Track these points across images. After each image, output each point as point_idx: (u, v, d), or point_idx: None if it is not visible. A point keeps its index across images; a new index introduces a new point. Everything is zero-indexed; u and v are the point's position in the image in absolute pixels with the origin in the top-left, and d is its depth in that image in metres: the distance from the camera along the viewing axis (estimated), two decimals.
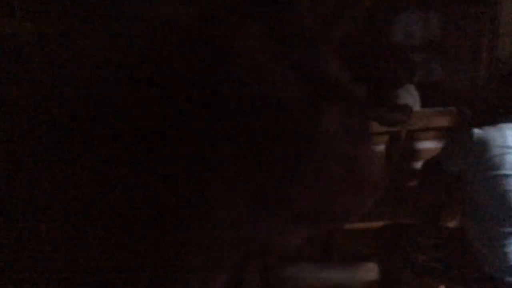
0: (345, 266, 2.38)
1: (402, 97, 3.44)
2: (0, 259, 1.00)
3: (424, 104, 3.61)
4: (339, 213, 1.10)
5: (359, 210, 1.57)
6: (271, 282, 2.12)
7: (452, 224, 2.33)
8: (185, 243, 1.03)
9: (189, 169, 1.01)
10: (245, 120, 1.02)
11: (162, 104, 0.93)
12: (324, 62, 1.81)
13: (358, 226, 2.40)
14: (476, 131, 1.93)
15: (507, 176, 1.85)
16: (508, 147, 1.86)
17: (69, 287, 0.98)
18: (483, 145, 1.89)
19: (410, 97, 3.44)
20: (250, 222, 1.14)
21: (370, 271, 2.45)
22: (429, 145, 3.33)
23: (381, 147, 3.40)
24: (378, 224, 2.40)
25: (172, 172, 1.02)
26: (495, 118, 1.99)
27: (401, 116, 3.31)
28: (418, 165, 3.25)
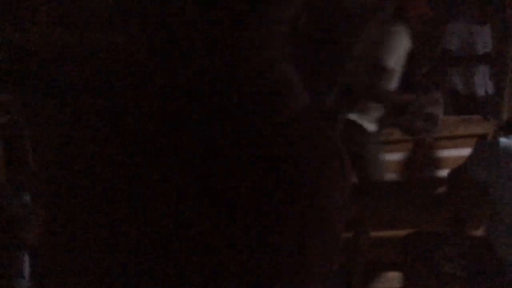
0: None
1: (429, 106, 3.43)
2: None
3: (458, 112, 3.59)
4: None
5: None
6: None
7: (478, 232, 2.32)
8: None
9: None
10: None
11: None
12: None
13: (384, 234, 2.41)
14: (503, 140, 1.93)
15: None
16: None
17: None
18: (509, 155, 1.89)
19: (438, 106, 3.43)
20: None
21: (396, 280, 2.46)
22: (454, 153, 3.32)
23: (405, 155, 3.42)
24: (404, 232, 2.41)
25: None
26: None
27: (426, 125, 3.31)
28: (444, 173, 3.25)
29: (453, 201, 2.32)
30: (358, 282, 2.39)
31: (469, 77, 3.71)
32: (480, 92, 3.66)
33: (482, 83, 3.74)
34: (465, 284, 2.11)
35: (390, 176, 3.40)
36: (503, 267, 1.96)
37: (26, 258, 1.45)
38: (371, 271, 2.43)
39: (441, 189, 2.54)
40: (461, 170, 2.13)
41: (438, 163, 3.36)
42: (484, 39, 3.73)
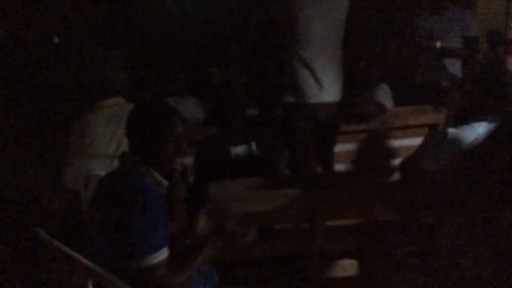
0: None
1: (377, 96, 3.52)
2: None
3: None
4: None
5: None
6: None
7: (430, 220, 2.38)
8: None
9: None
10: None
11: None
12: None
13: (338, 223, 2.45)
14: (451, 130, 1.98)
15: None
16: None
17: None
18: (457, 144, 1.95)
19: (385, 95, 3.52)
20: None
21: (351, 268, 2.50)
22: (406, 143, 3.41)
23: (358, 145, 3.48)
24: (358, 221, 2.45)
25: None
26: (468, 117, 2.04)
27: (375, 112, 3.40)
28: (396, 162, 3.33)
29: (405, 189, 2.37)
30: (314, 271, 2.42)
31: (436, 68, 3.76)
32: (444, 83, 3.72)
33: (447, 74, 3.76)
34: (418, 270, 2.17)
35: (345, 165, 3.46)
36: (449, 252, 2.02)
37: None
38: (326, 260, 2.46)
39: (393, 178, 2.59)
40: (411, 160, 2.18)
41: (390, 153, 3.44)
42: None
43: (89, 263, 1.47)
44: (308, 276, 2.39)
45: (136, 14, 4.37)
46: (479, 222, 1.95)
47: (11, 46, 3.45)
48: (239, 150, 2.61)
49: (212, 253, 1.75)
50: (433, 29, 3.73)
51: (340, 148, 3.34)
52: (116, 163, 1.79)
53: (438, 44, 3.64)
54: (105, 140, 2.36)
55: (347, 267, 2.50)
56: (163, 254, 1.56)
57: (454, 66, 3.71)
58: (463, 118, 2.06)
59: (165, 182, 1.68)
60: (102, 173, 2.19)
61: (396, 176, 2.57)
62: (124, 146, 2.17)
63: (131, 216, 1.53)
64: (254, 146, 2.64)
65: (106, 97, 2.45)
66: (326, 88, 2.93)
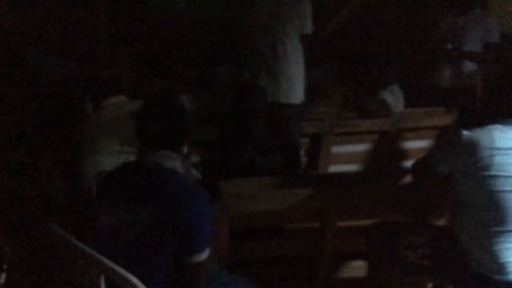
0: None
1: (382, 94, 3.52)
2: None
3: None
4: None
5: None
6: None
7: (441, 222, 2.37)
8: None
9: None
10: None
11: None
12: None
13: (348, 224, 2.44)
14: (465, 132, 1.96)
15: (495, 177, 1.88)
16: (495, 148, 1.89)
17: None
18: (472, 147, 1.93)
19: (391, 95, 3.51)
20: None
21: (361, 269, 2.49)
22: (418, 144, 3.39)
23: (369, 146, 3.47)
24: (368, 222, 2.44)
25: None
26: (483, 119, 2.02)
27: (377, 109, 3.39)
28: (408, 163, 3.31)
29: (416, 191, 2.36)
30: (324, 272, 2.41)
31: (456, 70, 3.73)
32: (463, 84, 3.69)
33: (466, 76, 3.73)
34: (429, 273, 2.16)
35: (356, 166, 3.45)
36: (466, 257, 2.00)
37: None
38: (337, 260, 2.46)
39: (405, 180, 2.58)
40: (424, 162, 2.16)
41: (402, 154, 3.42)
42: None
43: (103, 258, 1.47)
44: (318, 276, 2.39)
45: (143, 11, 4.37)
46: None
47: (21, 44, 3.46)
48: (264, 160, 2.60)
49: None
50: (453, 31, 3.70)
51: (351, 148, 3.33)
52: (124, 158, 1.79)
53: (450, 46, 3.61)
54: (111, 138, 2.38)
55: (357, 268, 2.49)
56: (209, 249, 1.60)
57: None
58: (476, 121, 2.05)
59: (198, 176, 1.71)
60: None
61: (408, 177, 2.56)
62: (129, 144, 2.18)
63: (188, 212, 1.54)
64: (279, 156, 2.63)
65: (109, 95, 2.47)
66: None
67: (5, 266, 1.34)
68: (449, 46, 3.68)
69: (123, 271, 1.46)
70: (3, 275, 1.26)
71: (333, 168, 3.39)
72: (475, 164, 1.91)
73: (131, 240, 1.58)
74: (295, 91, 3.07)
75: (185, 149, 1.71)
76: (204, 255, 1.58)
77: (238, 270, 2.23)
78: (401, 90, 3.56)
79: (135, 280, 1.46)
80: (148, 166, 1.65)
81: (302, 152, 3.14)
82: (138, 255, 1.56)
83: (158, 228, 1.55)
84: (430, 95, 3.83)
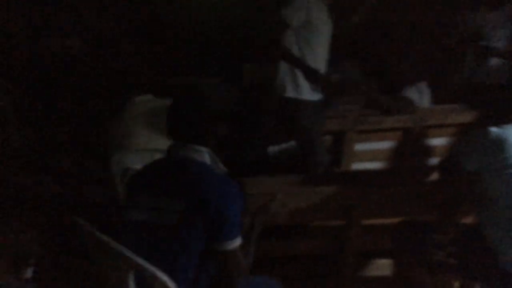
0: None
1: (407, 92, 3.48)
2: None
3: None
4: None
5: None
6: None
7: (468, 220, 2.34)
8: None
9: None
10: None
11: None
12: None
13: (374, 222, 2.42)
14: (493, 129, 1.93)
15: None
16: None
17: None
18: (500, 144, 1.90)
19: (417, 92, 3.47)
20: None
21: (386, 268, 2.47)
22: (443, 142, 3.35)
23: (394, 143, 3.44)
24: (394, 220, 2.42)
25: None
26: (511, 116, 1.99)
27: (401, 106, 3.36)
28: (433, 161, 3.28)
29: (443, 189, 2.33)
30: (349, 270, 2.40)
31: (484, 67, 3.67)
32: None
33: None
34: (456, 272, 2.13)
35: (381, 163, 3.42)
36: (493, 254, 1.98)
37: None
38: (361, 259, 2.44)
39: (431, 177, 2.55)
40: (451, 159, 2.13)
41: (427, 152, 3.38)
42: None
43: (132, 254, 1.49)
44: (342, 275, 2.38)
45: (169, 9, 4.39)
46: None
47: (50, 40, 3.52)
48: (277, 149, 2.60)
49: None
50: (481, 26, 3.63)
51: (375, 146, 3.30)
52: (149, 156, 1.81)
53: (478, 42, 3.56)
54: (141, 135, 2.40)
55: (383, 267, 2.47)
56: (240, 237, 1.63)
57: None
58: (504, 118, 2.01)
59: (225, 169, 1.74)
60: (138, 166, 2.22)
61: (433, 175, 2.53)
62: (156, 140, 2.21)
63: (219, 201, 1.57)
64: (293, 145, 2.63)
65: (137, 93, 2.50)
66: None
67: (32, 261, 1.36)
68: (478, 42, 3.62)
69: (152, 268, 1.48)
70: (30, 270, 1.29)
71: (356, 166, 3.37)
72: (503, 161, 1.89)
73: (164, 234, 1.60)
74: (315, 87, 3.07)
75: (212, 143, 1.74)
76: (236, 243, 1.61)
77: (261, 268, 2.24)
78: (428, 88, 3.51)
79: (164, 277, 1.47)
80: (179, 161, 1.69)
81: (324, 149, 3.12)
82: (171, 248, 1.59)
83: (190, 220, 1.58)
84: (457, 92, 3.77)
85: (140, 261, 1.48)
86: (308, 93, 2.97)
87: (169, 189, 1.63)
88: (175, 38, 4.17)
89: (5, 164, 2.42)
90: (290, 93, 2.96)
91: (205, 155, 1.70)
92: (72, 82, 3.32)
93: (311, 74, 2.94)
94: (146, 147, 2.30)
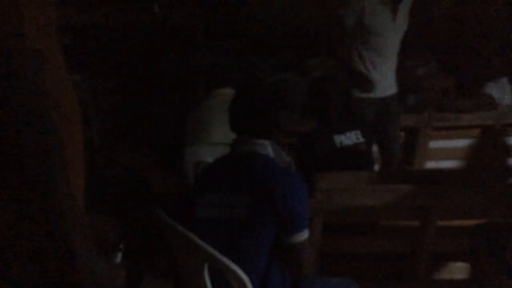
0: None
1: (487, 87, 3.32)
2: None
3: None
4: None
5: None
6: None
7: None
8: None
9: None
10: None
11: None
12: None
13: (451, 223, 2.33)
14: None
15: None
16: None
17: None
18: None
19: (497, 88, 3.30)
20: None
21: (462, 271, 2.37)
22: None
23: (473, 141, 3.29)
24: (472, 222, 2.31)
25: None
26: None
27: (482, 104, 3.20)
28: None
29: None
30: (423, 272, 2.32)
31: None
32: None
33: None
34: None
35: (454, 163, 3.29)
36: None
37: None
38: (437, 260, 2.36)
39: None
40: None
41: (507, 151, 3.21)
42: None
43: (207, 246, 1.51)
44: (416, 276, 2.30)
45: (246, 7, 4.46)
46: None
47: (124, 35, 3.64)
48: (342, 138, 2.57)
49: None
50: None
51: (451, 144, 3.18)
52: (223, 150, 1.82)
53: None
54: (216, 128, 2.42)
55: (458, 270, 2.38)
56: (308, 229, 1.62)
57: None
58: None
59: (289, 161, 1.74)
60: (210, 159, 2.25)
61: None
62: (231, 134, 2.22)
63: (285, 194, 1.57)
64: (358, 134, 2.58)
65: (218, 86, 2.52)
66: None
67: (122, 246, 1.40)
68: None
69: (226, 260, 1.49)
70: (119, 255, 1.33)
71: (430, 164, 3.26)
72: None
73: (234, 230, 1.62)
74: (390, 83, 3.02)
75: (276, 136, 1.73)
76: (304, 235, 1.60)
77: (330, 266, 2.21)
78: (510, 84, 3.33)
79: (237, 269, 1.48)
80: (244, 155, 1.70)
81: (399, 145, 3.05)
82: (241, 243, 1.60)
83: (258, 213, 1.59)
84: None
85: (215, 253, 1.50)
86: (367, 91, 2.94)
87: (235, 186, 1.64)
88: (249, 34, 4.23)
89: (90, 158, 2.53)
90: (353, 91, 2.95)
91: (268, 148, 1.70)
92: (153, 75, 3.42)
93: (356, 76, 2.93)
94: (221, 140, 2.32)
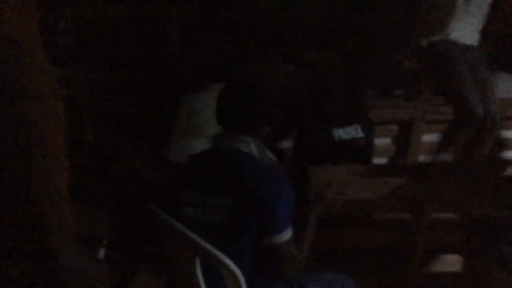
0: None
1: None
2: None
3: None
4: None
5: None
6: None
7: None
8: None
9: None
10: None
11: None
12: None
13: (445, 216, 2.33)
14: None
15: None
16: None
17: None
18: None
19: (502, 83, 3.29)
20: None
21: (456, 264, 2.38)
22: None
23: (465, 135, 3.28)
24: (465, 215, 2.32)
25: None
26: None
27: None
28: (509, 154, 3.11)
29: None
30: (416, 265, 2.33)
31: None
32: None
33: None
34: None
35: (448, 156, 3.28)
36: None
37: None
38: (431, 253, 2.36)
39: (506, 172, 2.41)
40: None
41: (502, 144, 3.21)
42: None
43: (198, 239, 1.49)
44: (409, 269, 2.31)
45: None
46: None
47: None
48: (341, 132, 2.56)
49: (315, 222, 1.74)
50: None
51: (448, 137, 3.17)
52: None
53: None
54: (210, 122, 2.41)
55: (451, 263, 2.38)
56: (291, 229, 1.59)
57: None
58: None
59: (274, 159, 1.70)
60: None
61: (509, 169, 2.40)
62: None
63: (266, 194, 1.54)
64: (358, 129, 2.57)
65: (214, 80, 2.50)
66: None
67: (105, 242, 1.39)
68: None
69: (217, 252, 1.48)
70: (102, 251, 1.31)
71: (423, 158, 3.25)
72: None
73: (213, 230, 1.59)
74: None
75: (264, 133, 1.70)
76: (287, 235, 1.57)
77: (323, 259, 2.21)
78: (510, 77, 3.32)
79: (229, 262, 1.47)
80: (225, 151, 1.66)
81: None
82: (222, 240, 1.56)
83: (239, 212, 1.56)
84: None
85: (207, 246, 1.49)
86: None
87: (215, 184, 1.61)
88: (250, 28, 4.19)
89: (81, 152, 2.51)
90: None
91: (250, 145, 1.65)
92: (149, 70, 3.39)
93: None
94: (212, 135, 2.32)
